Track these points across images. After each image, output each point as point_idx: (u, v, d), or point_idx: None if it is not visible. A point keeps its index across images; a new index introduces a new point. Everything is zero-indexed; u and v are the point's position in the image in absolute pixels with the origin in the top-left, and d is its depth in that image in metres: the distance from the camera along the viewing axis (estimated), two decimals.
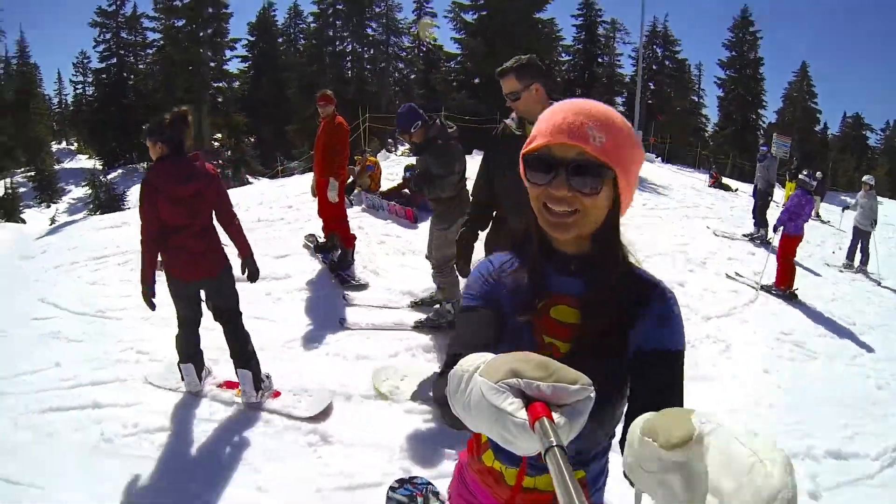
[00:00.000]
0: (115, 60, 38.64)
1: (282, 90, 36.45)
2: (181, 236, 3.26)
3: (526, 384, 0.68)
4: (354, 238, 6.25)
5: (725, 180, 18.83)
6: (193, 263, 3.32)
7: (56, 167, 37.56)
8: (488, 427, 0.70)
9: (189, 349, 3.57)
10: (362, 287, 5.68)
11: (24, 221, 27.60)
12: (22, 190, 33.27)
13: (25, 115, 36.29)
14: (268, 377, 3.69)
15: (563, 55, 35.36)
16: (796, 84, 41.51)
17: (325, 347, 4.49)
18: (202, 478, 3.03)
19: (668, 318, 1.08)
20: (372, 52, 37.99)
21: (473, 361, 0.76)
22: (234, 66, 38.00)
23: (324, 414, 3.55)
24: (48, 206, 32.11)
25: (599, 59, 40.25)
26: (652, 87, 37.96)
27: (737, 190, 17.32)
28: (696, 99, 42.58)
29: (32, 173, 34.60)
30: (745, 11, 39.62)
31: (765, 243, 9.23)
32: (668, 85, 39.30)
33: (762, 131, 38.33)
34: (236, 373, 3.57)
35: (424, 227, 6.41)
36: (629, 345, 1.06)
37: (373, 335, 4.68)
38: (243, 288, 5.25)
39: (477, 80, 24.32)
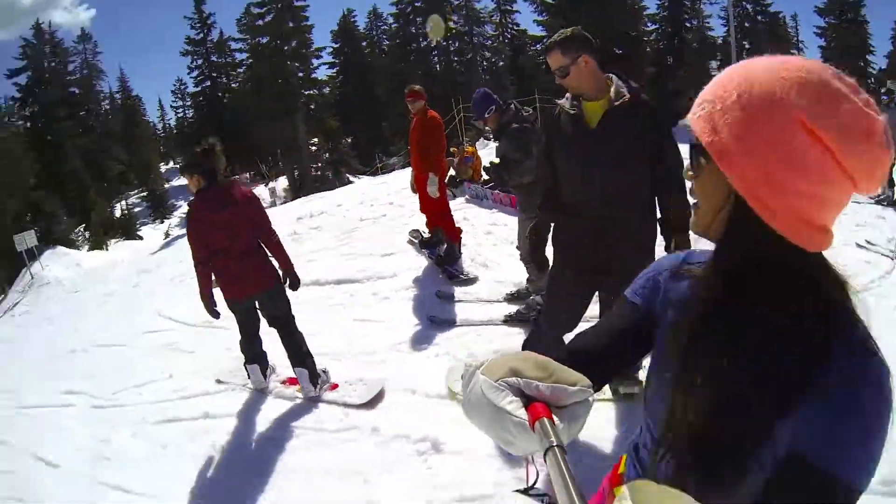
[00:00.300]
0: (208, 83, 40.91)
1: (371, 91, 37.18)
2: (223, 259, 3.51)
3: (525, 383, 0.67)
4: (460, 231, 5.95)
5: None
6: (238, 283, 3.56)
7: (166, 186, 40.48)
8: (488, 425, 0.68)
9: (251, 353, 3.84)
10: (471, 281, 5.42)
11: (141, 238, 30.59)
12: (137, 209, 36.87)
13: (134, 143, 39.77)
14: (325, 372, 3.86)
15: (649, 24, 33.25)
16: None
17: (434, 348, 4.23)
18: (315, 488, 2.98)
19: (849, 416, 0.67)
20: (457, 44, 37.36)
21: (482, 357, 0.73)
22: (322, 74, 38.90)
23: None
24: (162, 222, 34.89)
25: (687, 24, 37.05)
26: (747, 46, 34.38)
27: None
28: (797, 52, 38.49)
29: (145, 194, 37.72)
30: None
31: (894, 204, 8.06)
32: (763, 42, 34.76)
33: (872, 79, 34.09)
34: (294, 371, 3.79)
35: None
36: (773, 436, 0.71)
37: (484, 332, 4.37)
38: (352, 291, 5.50)
39: None
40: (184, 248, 9.09)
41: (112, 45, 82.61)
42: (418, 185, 5.74)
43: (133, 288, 7.73)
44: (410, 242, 6.62)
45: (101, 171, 35.57)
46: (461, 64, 36.92)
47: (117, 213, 34.92)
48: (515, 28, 39.78)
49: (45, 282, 13.33)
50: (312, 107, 35.33)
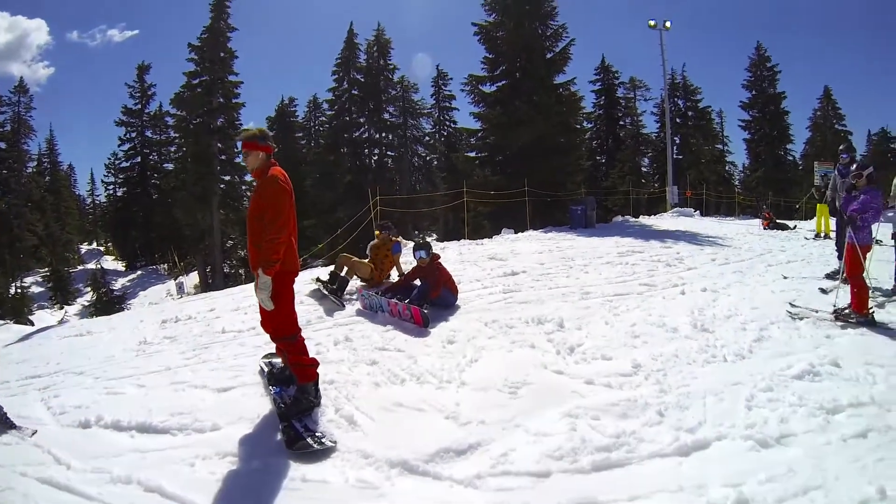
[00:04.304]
0: (139, 159, 39.63)
1: (300, 184, 34.41)
2: None
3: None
4: (314, 365, 4.12)
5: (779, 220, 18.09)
6: None
7: (78, 268, 37.48)
8: None
9: None
10: (323, 450, 3.60)
11: (31, 323, 26.56)
12: (39, 290, 32.89)
13: (55, 215, 37.48)
14: None
15: (585, 123, 32.76)
16: (822, 110, 40.81)
17: None
18: None
19: None
20: (390, 137, 35.63)
21: None
22: None
23: None
24: (61, 308, 30.98)
25: (621, 122, 39.87)
26: (678, 140, 36.74)
27: (795, 227, 16.78)
28: (721, 147, 41.45)
29: (50, 273, 33.89)
30: (760, 48, 38.55)
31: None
32: (693, 136, 37.89)
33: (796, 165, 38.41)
34: None
35: (439, 335, 5.66)
36: None
37: None
38: (157, 446, 3.81)
39: (500, 158, 23.15)
40: (34, 346, 8.23)
41: (60, 105, 79.09)
42: (256, 287, 3.86)
43: None
44: (261, 373, 4.86)
45: (10, 239, 32.78)
46: (394, 159, 35.71)
47: (12, 291, 30.92)
48: (452, 126, 40.08)
49: None
50: (233, 194, 32.35)
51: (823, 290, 7.26)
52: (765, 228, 16.77)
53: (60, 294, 31.81)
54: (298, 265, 4.06)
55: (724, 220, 22.37)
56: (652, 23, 26.21)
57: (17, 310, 28.45)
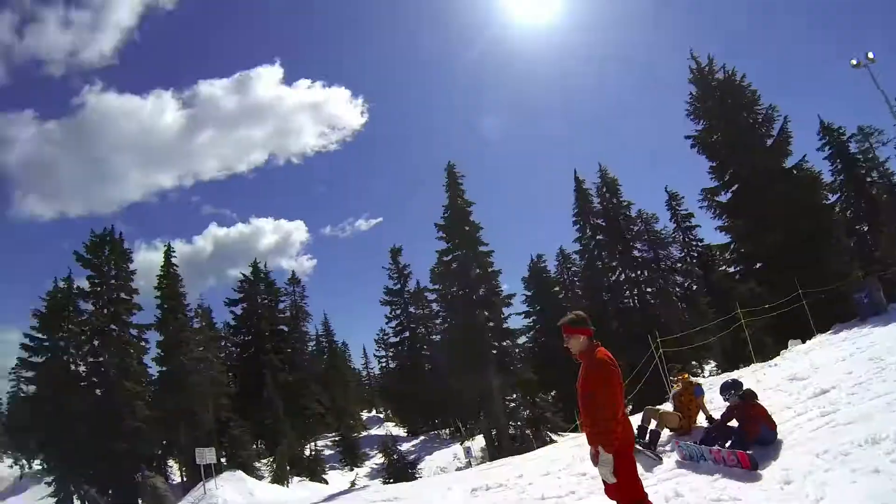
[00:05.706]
0: (407, 334, 42.89)
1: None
2: None
3: None
4: None
5: None
6: None
7: (363, 433, 41.78)
8: None
9: None
10: None
11: (326, 482, 30.60)
12: (329, 452, 37.29)
13: (333, 387, 42.47)
14: None
15: (830, 196, 28.35)
16: None
17: None
18: None
19: None
20: (645, 273, 34.79)
21: None
22: (518, 323, 36.41)
23: None
24: (351, 470, 34.29)
25: (868, 179, 31.55)
26: None
27: None
28: None
29: (339, 438, 38.10)
30: None
31: None
32: None
33: None
34: None
35: (771, 476, 5.40)
36: None
37: None
38: None
39: (758, 265, 21.74)
40: None
41: (327, 292, 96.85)
42: (594, 461, 4.10)
43: None
44: None
45: (299, 409, 37.10)
46: (654, 295, 34.04)
47: (307, 453, 35.63)
48: (700, 244, 36.95)
49: (214, 500, 13.96)
50: (506, 359, 32.40)
51: None
52: None
53: (349, 457, 35.33)
54: (633, 435, 4.29)
55: None
56: (854, 62, 23.01)
57: (312, 469, 32.56)
